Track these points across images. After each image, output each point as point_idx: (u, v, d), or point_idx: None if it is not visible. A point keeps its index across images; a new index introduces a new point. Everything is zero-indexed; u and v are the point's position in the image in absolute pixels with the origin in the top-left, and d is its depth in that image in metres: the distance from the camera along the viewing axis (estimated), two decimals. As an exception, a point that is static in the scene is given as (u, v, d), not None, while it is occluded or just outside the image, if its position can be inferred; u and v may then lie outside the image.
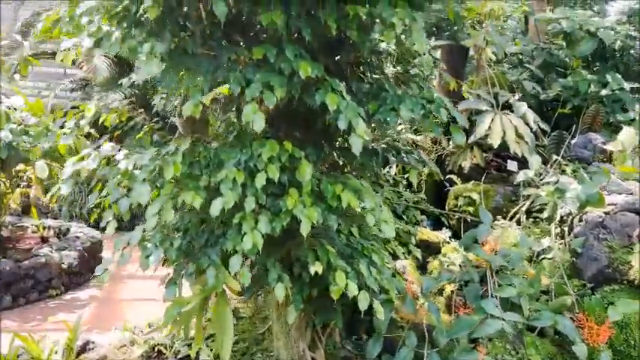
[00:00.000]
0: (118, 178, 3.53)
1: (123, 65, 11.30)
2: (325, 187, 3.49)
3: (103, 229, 3.46)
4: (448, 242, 6.38)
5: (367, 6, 3.20)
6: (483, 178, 6.49)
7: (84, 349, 4.92)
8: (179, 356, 4.86)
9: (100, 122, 4.07)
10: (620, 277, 4.35)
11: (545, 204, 5.45)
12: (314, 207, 3.37)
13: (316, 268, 3.64)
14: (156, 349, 4.94)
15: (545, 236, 5.38)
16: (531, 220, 5.82)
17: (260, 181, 3.24)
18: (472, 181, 6.59)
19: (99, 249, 8.31)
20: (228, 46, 3.36)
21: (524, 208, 5.67)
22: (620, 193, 5.07)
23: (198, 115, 3.14)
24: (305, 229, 3.29)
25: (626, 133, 6.04)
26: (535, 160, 5.81)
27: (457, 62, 7.03)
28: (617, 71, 7.18)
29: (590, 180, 4.46)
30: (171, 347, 4.89)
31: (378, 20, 3.26)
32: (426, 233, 6.27)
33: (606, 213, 4.81)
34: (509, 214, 5.81)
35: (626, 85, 6.88)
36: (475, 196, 6.35)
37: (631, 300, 4.19)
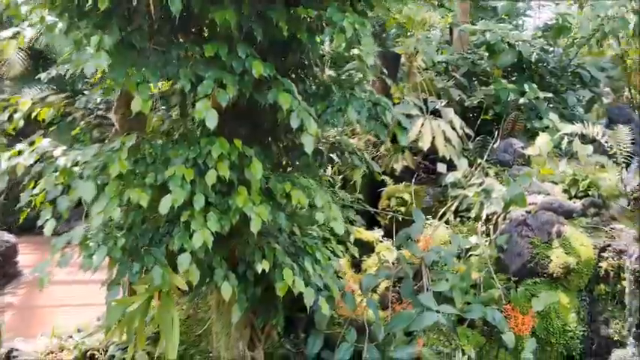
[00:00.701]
0: (56, 175, 3.39)
1: (37, 59, 10.71)
2: (274, 186, 3.53)
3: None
4: (381, 241, 6.59)
5: (317, 10, 3.29)
6: (414, 179, 6.76)
7: (8, 357, 4.64)
8: (113, 361, 4.70)
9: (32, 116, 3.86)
10: (541, 271, 4.72)
11: (472, 204, 5.79)
12: (263, 205, 3.40)
13: (263, 266, 3.68)
14: (88, 354, 4.75)
15: (472, 234, 5.71)
16: (458, 219, 6.14)
17: (211, 178, 3.23)
18: (403, 183, 6.85)
19: (13, 254, 7.80)
20: (178, 42, 3.32)
21: (452, 208, 5.98)
22: (540, 193, 5.50)
23: (147, 111, 3.09)
24: (255, 227, 3.32)
25: (543, 139, 6.54)
26: (463, 163, 6.16)
27: (390, 68, 7.28)
28: (532, 81, 7.75)
29: (515, 182, 4.81)
30: (105, 352, 4.72)
31: (327, 24, 3.34)
32: (361, 232, 6.45)
33: (528, 212, 5.19)
34: (439, 214, 6.11)
35: (541, 95, 7.44)
36: (407, 196, 6.61)
37: (552, 292, 4.56)
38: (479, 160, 6.66)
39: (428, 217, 6.15)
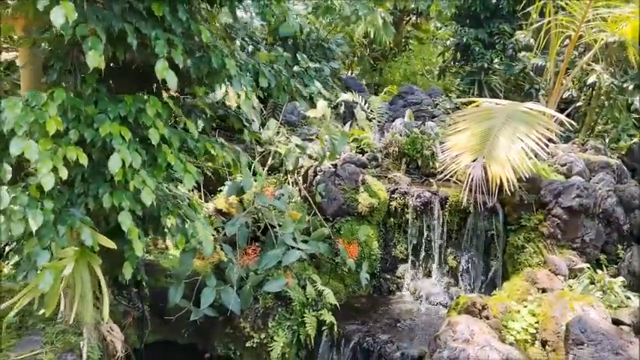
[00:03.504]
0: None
1: None
2: (194, 146, 3.75)
3: None
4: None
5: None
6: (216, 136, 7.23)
7: None
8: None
9: None
10: (352, 211, 5.97)
11: (284, 158, 6.66)
12: (189, 163, 3.62)
13: (171, 221, 3.88)
14: None
15: (280, 185, 6.62)
16: (266, 172, 6.96)
17: (154, 137, 3.31)
18: (208, 139, 7.25)
19: None
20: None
21: (269, 162, 6.75)
22: (338, 150, 6.72)
23: (102, 66, 2.97)
24: (189, 183, 3.54)
25: (321, 104, 7.80)
26: (272, 123, 6.95)
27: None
28: (302, 52, 8.93)
29: (338, 140, 5.88)
30: None
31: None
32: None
33: (334, 165, 6.37)
34: (252, 168, 6.79)
35: (312, 65, 8.69)
36: (214, 152, 7.04)
37: (363, 226, 5.87)
38: (274, 121, 7.54)
39: (237, 171, 6.78)
